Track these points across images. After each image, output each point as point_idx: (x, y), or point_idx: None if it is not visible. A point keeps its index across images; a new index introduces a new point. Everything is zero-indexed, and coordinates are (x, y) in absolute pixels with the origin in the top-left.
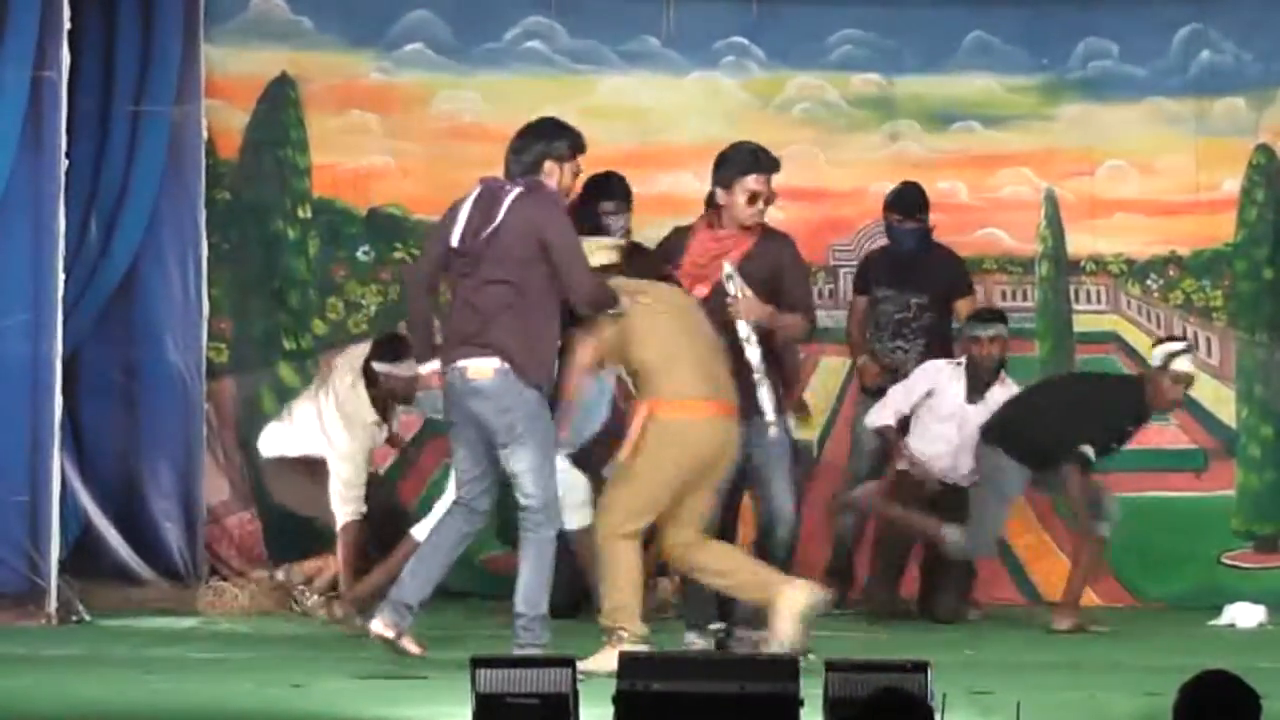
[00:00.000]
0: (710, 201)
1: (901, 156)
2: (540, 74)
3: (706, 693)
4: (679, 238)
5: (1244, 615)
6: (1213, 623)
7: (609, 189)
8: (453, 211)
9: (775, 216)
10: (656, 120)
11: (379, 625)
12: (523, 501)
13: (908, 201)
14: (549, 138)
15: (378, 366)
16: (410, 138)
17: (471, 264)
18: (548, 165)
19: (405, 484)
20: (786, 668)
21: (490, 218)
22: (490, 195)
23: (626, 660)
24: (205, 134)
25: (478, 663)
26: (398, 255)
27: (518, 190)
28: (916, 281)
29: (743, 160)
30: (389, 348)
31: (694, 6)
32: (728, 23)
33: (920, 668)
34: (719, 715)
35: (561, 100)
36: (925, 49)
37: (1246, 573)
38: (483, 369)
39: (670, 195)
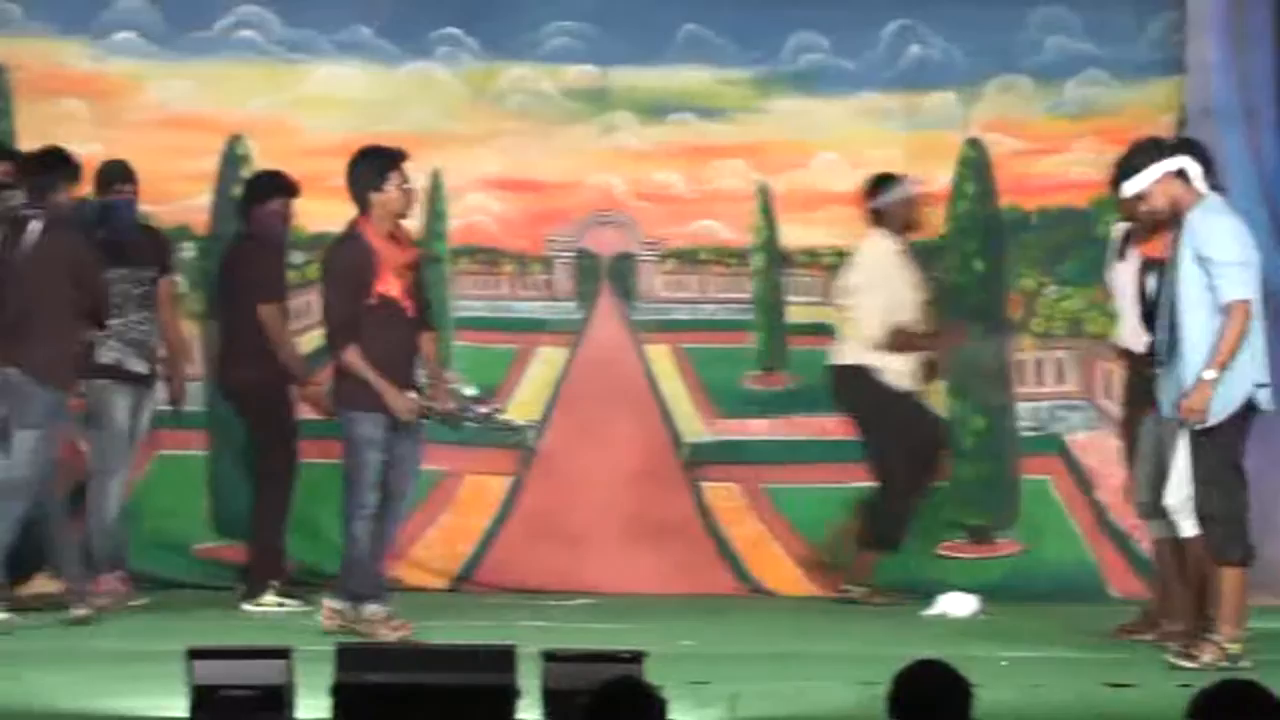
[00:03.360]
0: None
1: (617, 148)
2: (254, 62)
3: (424, 684)
4: None
5: (956, 605)
6: (924, 612)
7: None
8: None
9: (491, 208)
10: (371, 110)
11: None
12: None
13: None
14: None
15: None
16: (121, 126)
17: None
18: None
19: None
20: (504, 660)
21: None
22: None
23: (344, 652)
24: None
25: (194, 654)
26: None
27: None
28: None
29: None
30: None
31: None
32: (442, 13)
33: (636, 658)
34: (436, 706)
35: (275, 90)
36: (639, 41)
37: (960, 562)
38: None
39: None
